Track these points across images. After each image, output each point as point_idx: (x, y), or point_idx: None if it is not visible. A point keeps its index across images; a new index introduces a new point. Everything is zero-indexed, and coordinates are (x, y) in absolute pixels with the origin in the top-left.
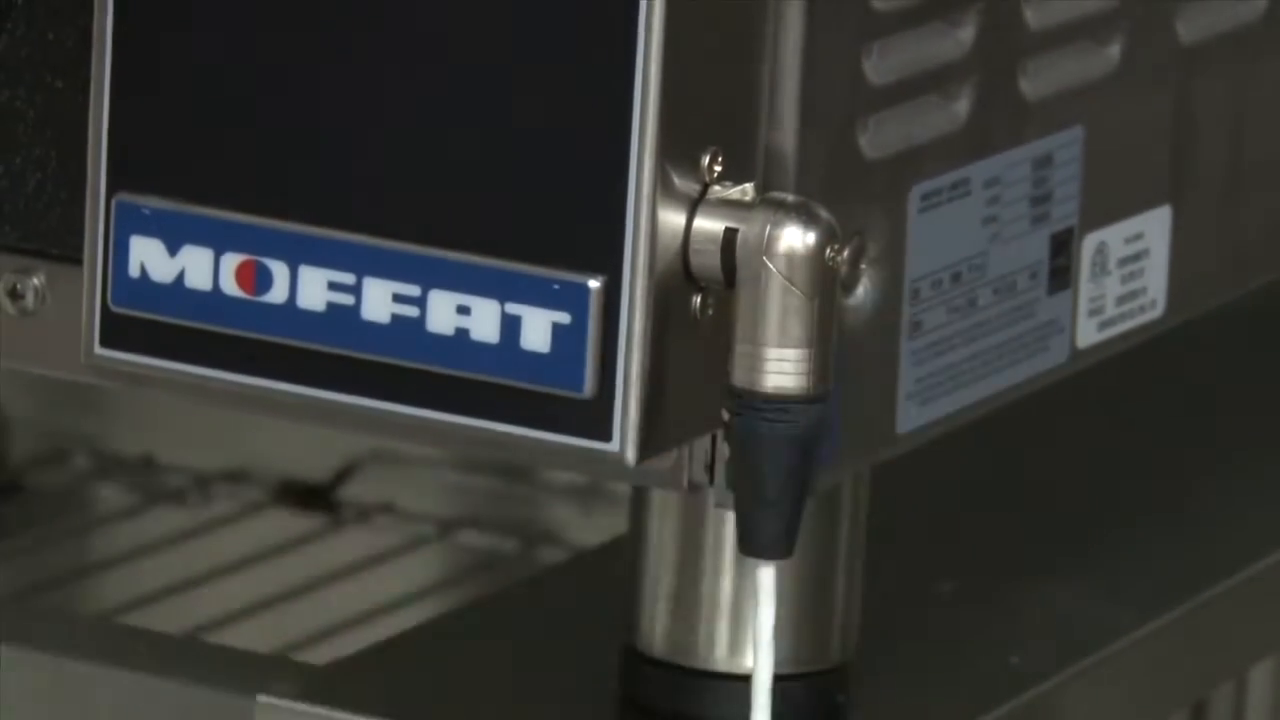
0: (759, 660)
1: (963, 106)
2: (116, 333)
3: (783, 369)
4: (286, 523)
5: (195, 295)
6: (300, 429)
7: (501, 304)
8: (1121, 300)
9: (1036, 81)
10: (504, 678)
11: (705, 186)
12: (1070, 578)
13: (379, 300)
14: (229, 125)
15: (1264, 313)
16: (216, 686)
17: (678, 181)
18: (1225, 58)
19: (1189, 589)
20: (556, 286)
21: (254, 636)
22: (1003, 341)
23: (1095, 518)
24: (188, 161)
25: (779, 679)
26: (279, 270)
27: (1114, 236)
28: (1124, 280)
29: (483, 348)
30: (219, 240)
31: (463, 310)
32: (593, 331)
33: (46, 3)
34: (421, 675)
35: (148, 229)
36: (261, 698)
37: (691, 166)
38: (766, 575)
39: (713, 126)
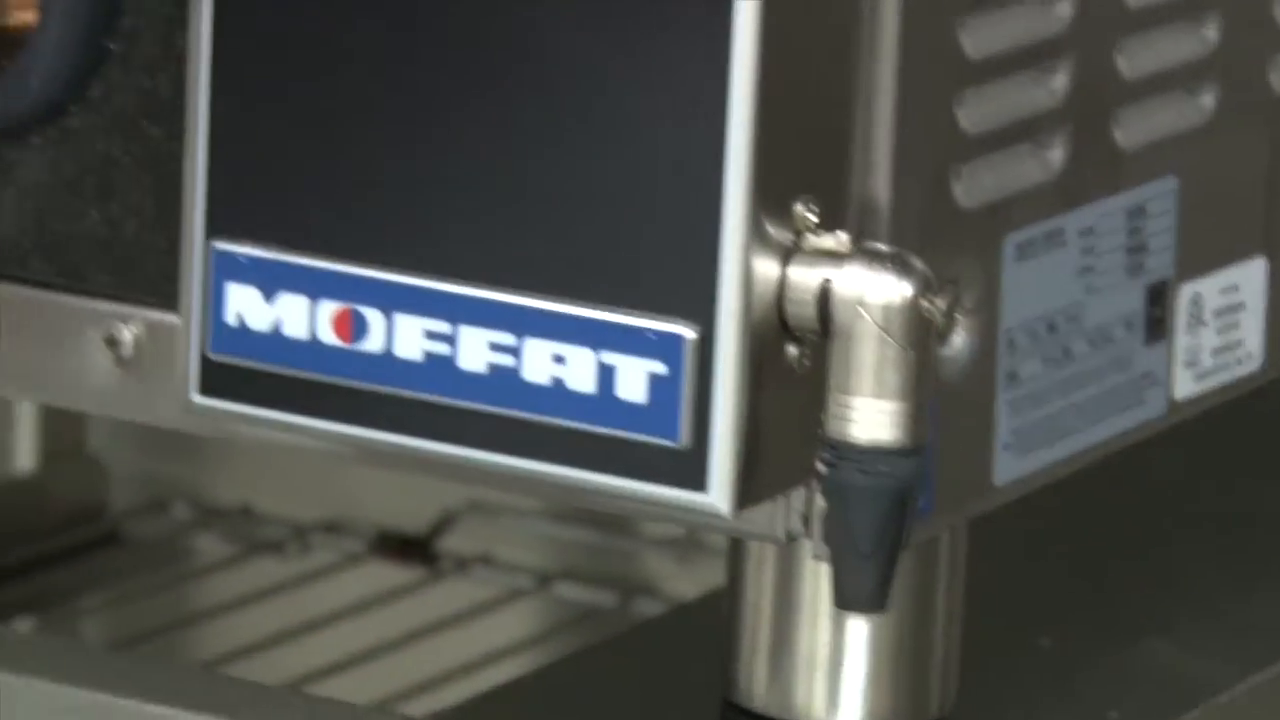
0: (843, 714)
1: (1056, 155)
2: (214, 381)
3: (878, 420)
4: (385, 574)
5: (292, 343)
6: (398, 479)
7: (597, 353)
8: (1218, 352)
9: (1130, 130)
10: None
11: (799, 235)
12: (1170, 632)
13: (475, 349)
14: (324, 172)
15: None
16: None
17: (772, 230)
18: None
19: None
20: (652, 336)
21: (353, 688)
22: (1099, 393)
23: (1194, 572)
24: (284, 208)
25: None
26: (375, 319)
27: (1209, 288)
28: (1220, 332)
29: (578, 397)
30: (315, 288)
31: (558, 359)
32: (688, 382)
33: (143, 50)
34: None
35: (244, 276)
36: None
37: (785, 215)
38: (857, 629)
39: (806, 174)
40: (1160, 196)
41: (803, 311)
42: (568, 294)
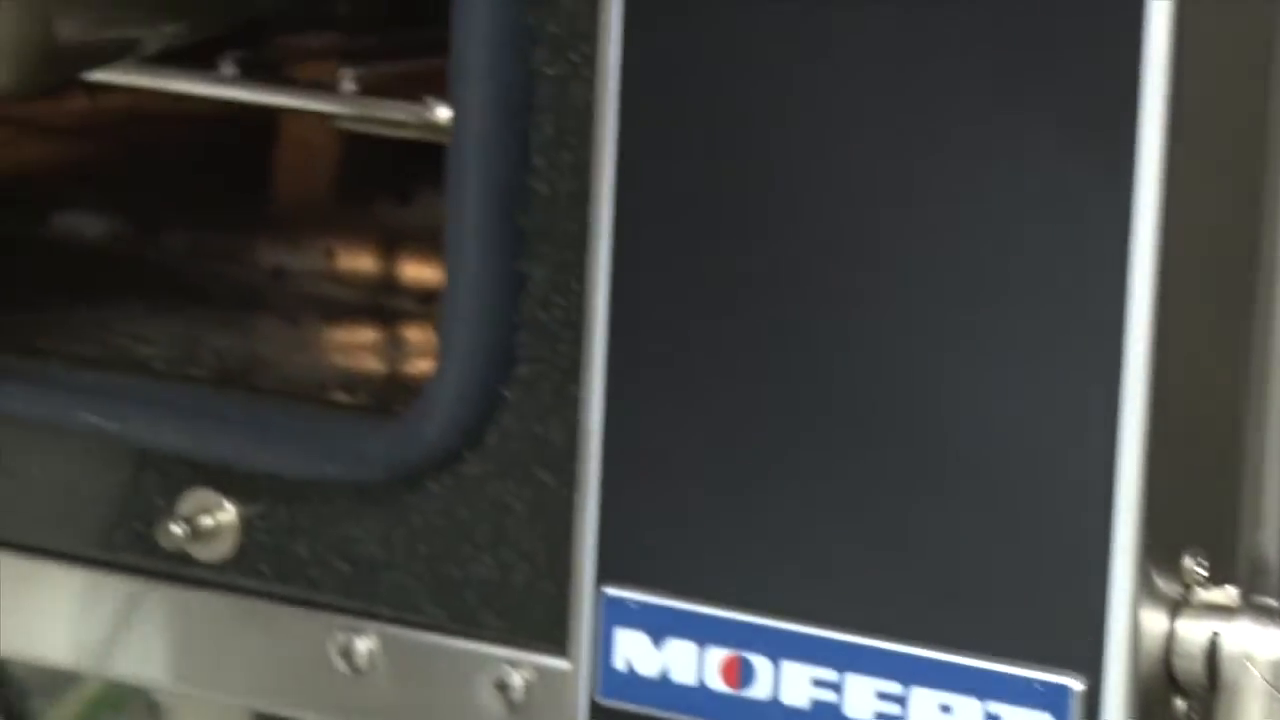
0: None
1: None
2: None
3: None
4: None
5: (680, 689)
6: None
7: (984, 703)
8: None
9: None
10: None
11: (1188, 589)
12: None
13: (862, 697)
14: (712, 520)
15: None
16: None
17: (1160, 583)
18: None
19: None
20: (1039, 687)
21: None
22: None
23: None
24: (672, 555)
25: None
26: (762, 666)
27: None
28: None
29: None
30: (704, 634)
31: (945, 709)
32: None
33: (537, 398)
34: None
35: (633, 622)
36: None
37: (1173, 568)
38: None
39: (1194, 527)
40: None
41: (1190, 665)
42: (953, 643)
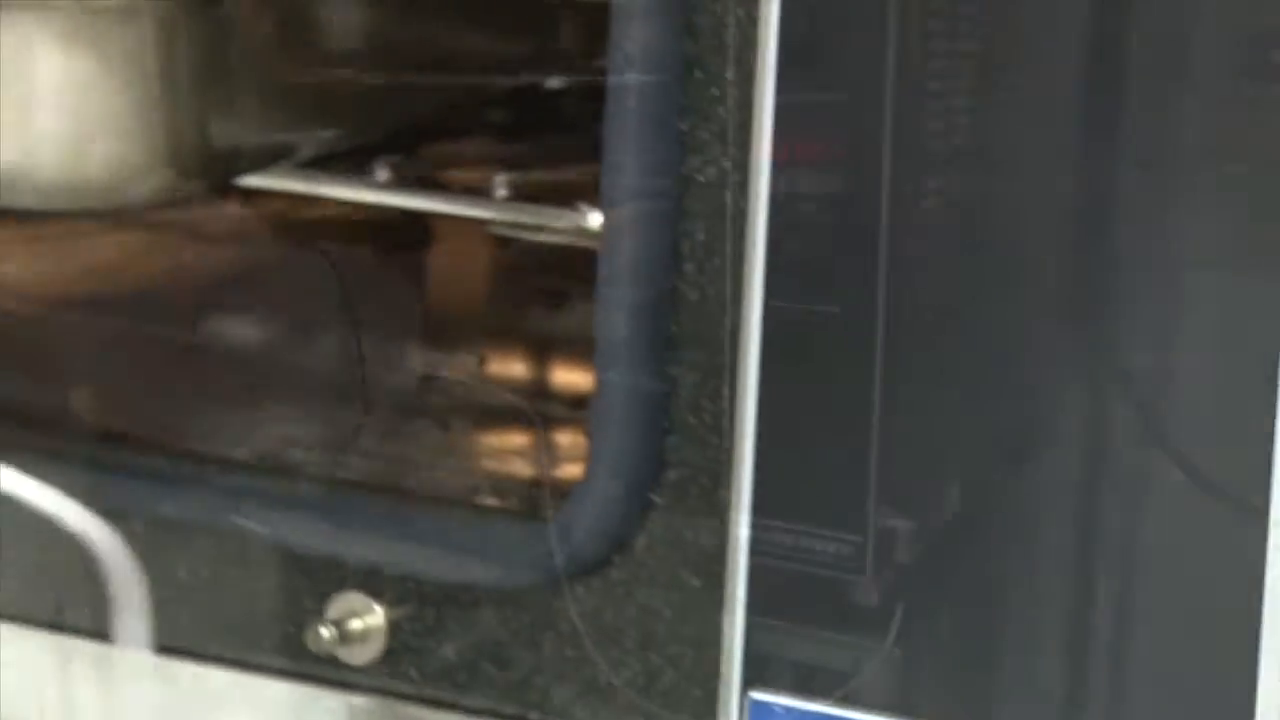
0: None
1: None
2: None
3: None
4: None
5: None
6: None
7: None
8: None
9: None
10: None
11: None
12: None
13: None
14: (853, 630)
15: None
16: None
17: None
18: None
19: None
20: None
21: None
22: None
23: None
24: (817, 661)
25: None
26: None
27: None
28: None
29: None
30: None
31: None
32: None
33: (685, 503)
34: None
35: None
36: None
37: None
38: None
39: None
40: None
41: None
42: None
